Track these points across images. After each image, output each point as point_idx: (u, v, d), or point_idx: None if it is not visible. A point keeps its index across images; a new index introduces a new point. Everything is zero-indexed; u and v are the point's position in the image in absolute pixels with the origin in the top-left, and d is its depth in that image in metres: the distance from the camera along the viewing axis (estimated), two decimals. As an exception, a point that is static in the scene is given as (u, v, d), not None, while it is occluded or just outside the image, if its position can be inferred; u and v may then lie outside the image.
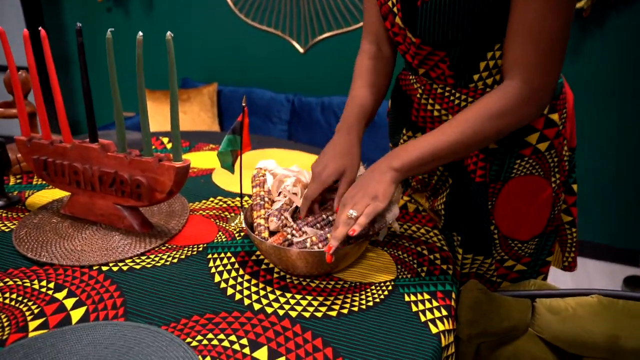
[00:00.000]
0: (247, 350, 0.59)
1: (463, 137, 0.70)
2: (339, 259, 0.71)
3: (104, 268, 0.75)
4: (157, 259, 0.78)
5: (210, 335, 0.61)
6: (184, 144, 1.36)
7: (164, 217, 0.92)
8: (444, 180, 0.92)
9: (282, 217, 0.75)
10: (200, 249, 0.82)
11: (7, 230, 0.85)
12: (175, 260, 0.78)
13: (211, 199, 1.00)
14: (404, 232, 0.90)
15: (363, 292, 0.72)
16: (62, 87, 0.85)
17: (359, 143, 0.83)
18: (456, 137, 0.70)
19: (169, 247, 0.82)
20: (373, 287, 0.73)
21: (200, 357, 0.58)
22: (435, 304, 0.70)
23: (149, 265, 0.76)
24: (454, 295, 0.73)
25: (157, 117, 2.29)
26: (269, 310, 0.67)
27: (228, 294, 0.70)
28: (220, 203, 0.99)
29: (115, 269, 0.75)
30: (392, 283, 0.74)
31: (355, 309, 0.68)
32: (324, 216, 0.77)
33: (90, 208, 0.88)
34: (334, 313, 0.67)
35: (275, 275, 0.75)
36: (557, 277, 2.04)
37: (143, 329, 0.61)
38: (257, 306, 0.67)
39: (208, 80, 2.68)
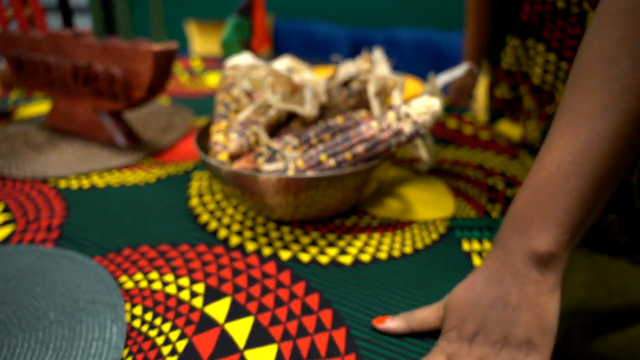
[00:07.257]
0: (198, 302, 0.38)
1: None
2: (358, 188, 0.47)
3: (62, 184, 0.58)
4: (128, 175, 0.59)
5: (153, 274, 0.41)
6: (212, 63, 1.17)
7: (159, 132, 0.73)
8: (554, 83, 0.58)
9: (249, 131, 0.50)
10: (190, 167, 0.62)
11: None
12: (151, 179, 0.59)
13: (224, 116, 0.80)
14: (469, 160, 0.64)
15: (399, 232, 0.48)
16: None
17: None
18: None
19: (151, 161, 0.63)
20: (415, 227, 0.49)
21: (129, 305, 0.38)
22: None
23: (116, 184, 0.58)
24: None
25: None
26: (250, 247, 0.45)
27: (201, 221, 0.49)
28: (233, 120, 0.78)
29: (75, 185, 0.57)
30: (447, 223, 0.49)
31: (383, 254, 0.44)
32: (322, 126, 0.50)
33: (69, 116, 0.71)
34: (348, 258, 0.44)
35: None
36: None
37: (59, 256, 0.42)
38: (235, 240, 0.46)
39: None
